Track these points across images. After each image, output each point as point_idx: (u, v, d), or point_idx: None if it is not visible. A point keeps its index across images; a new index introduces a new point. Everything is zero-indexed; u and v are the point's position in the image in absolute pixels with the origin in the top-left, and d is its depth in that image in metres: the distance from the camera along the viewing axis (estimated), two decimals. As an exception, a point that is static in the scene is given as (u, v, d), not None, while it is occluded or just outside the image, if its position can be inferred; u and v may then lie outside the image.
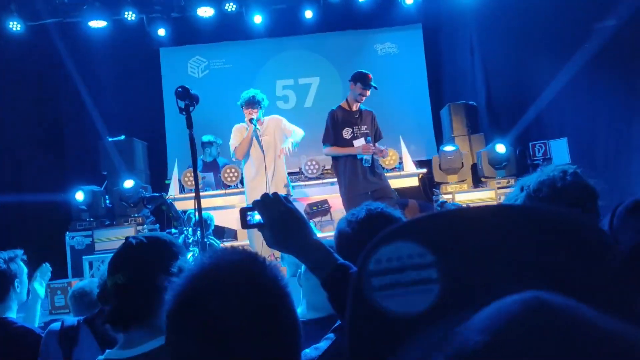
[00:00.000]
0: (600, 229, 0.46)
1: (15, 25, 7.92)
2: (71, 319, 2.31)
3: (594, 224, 0.47)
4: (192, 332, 0.84)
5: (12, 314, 2.66)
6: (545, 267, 0.44)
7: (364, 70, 5.40)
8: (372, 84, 5.29)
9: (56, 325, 2.29)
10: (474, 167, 7.57)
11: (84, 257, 6.40)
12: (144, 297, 1.47)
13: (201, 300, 0.85)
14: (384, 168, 6.70)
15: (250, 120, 5.44)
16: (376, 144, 5.45)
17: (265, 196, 1.27)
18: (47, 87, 8.33)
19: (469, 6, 8.30)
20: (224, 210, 6.47)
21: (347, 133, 5.34)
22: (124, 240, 1.60)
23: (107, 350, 1.52)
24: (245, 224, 1.33)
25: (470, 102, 8.04)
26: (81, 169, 8.00)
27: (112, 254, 1.62)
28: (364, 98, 5.34)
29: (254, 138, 5.57)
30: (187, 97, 2.54)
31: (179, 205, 6.15)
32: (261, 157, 5.51)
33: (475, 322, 0.39)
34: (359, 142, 5.26)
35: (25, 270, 2.69)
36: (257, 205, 1.27)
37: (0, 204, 7.98)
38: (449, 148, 7.18)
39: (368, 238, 0.49)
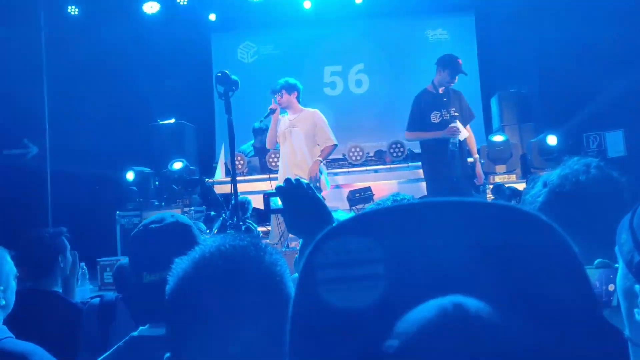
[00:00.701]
0: (553, 229, 0.45)
1: (73, 10, 8.18)
2: (110, 295, 2.41)
3: (547, 224, 0.46)
4: (186, 318, 0.86)
5: (57, 288, 2.79)
6: (490, 269, 0.43)
7: (453, 54, 5.17)
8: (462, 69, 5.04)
9: (96, 301, 2.39)
10: (523, 157, 7.40)
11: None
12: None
13: (195, 286, 0.87)
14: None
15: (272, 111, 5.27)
16: (468, 125, 5.20)
17: (287, 182, 1.29)
18: (102, 70, 8.56)
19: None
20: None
21: (435, 117, 5.10)
22: (142, 230, 1.55)
23: (140, 327, 1.55)
24: (268, 209, 1.36)
25: (521, 91, 7.85)
26: (133, 150, 8.22)
27: None
28: (452, 84, 5.12)
29: (280, 127, 5.40)
30: (226, 83, 2.57)
31: (225, 188, 6.26)
32: (286, 147, 5.36)
33: (397, 326, 0.40)
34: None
35: (69, 246, 2.80)
36: (279, 190, 1.30)
37: (57, 180, 8.32)
38: (497, 138, 7.03)
39: None
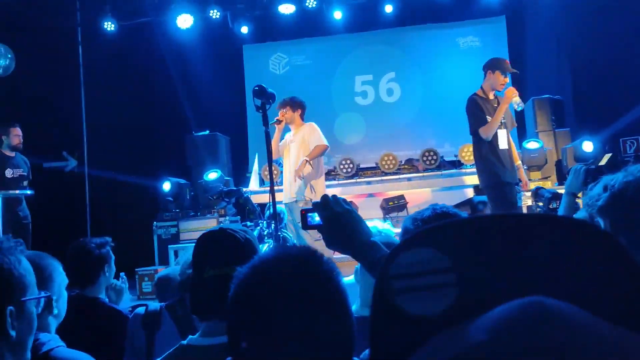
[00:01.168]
0: (616, 243, 0.48)
1: (109, 25, 8.39)
2: (154, 305, 2.47)
3: (609, 236, 0.48)
4: (247, 322, 0.90)
5: (102, 296, 2.87)
6: (557, 276, 0.46)
7: (498, 57, 5.09)
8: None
9: (141, 310, 2.45)
10: (559, 163, 7.31)
11: (169, 246, 6.72)
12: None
13: (257, 291, 0.91)
14: (462, 164, 6.62)
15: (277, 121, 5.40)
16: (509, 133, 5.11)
17: (324, 197, 1.32)
18: (138, 83, 8.75)
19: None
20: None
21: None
22: (217, 231, 1.62)
23: (190, 337, 1.57)
24: (305, 225, 1.38)
25: (555, 97, 7.77)
26: (168, 161, 8.38)
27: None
28: (503, 87, 4.94)
29: (285, 141, 5.58)
30: (263, 96, 2.63)
31: (258, 198, 6.33)
32: (286, 161, 5.52)
33: (479, 323, 0.43)
34: (503, 134, 4.92)
35: (113, 257, 2.89)
36: (317, 206, 1.32)
37: (95, 191, 8.51)
38: (532, 145, 6.96)
39: None
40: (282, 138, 5.64)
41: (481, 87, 5.04)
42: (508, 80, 5.01)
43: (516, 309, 0.42)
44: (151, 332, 2.35)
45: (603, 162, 5.63)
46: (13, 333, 1.14)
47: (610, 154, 5.99)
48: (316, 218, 1.34)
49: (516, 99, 4.82)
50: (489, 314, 0.44)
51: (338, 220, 1.27)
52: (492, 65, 4.97)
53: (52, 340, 1.92)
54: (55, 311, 1.97)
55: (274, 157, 5.56)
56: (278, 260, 0.94)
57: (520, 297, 0.44)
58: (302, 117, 5.55)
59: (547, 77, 8.54)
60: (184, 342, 1.55)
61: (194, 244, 1.71)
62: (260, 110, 2.63)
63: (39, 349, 1.85)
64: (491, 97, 4.99)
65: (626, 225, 1.32)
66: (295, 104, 5.48)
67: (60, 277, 2.01)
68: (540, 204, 3.95)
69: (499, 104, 4.94)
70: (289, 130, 5.60)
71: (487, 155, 4.85)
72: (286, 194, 5.43)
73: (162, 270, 4.06)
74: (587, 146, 6.75)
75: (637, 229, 1.30)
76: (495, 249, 0.48)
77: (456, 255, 0.48)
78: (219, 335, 1.49)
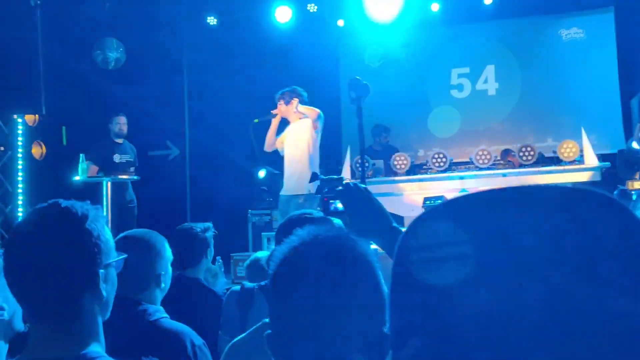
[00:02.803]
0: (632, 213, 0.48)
1: (212, 20, 8.76)
2: (250, 284, 2.61)
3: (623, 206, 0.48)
4: (288, 298, 0.94)
5: (201, 277, 3.05)
6: (573, 246, 0.46)
7: None
8: None
9: (237, 288, 2.61)
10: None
11: (262, 233, 6.95)
12: None
13: (296, 269, 0.95)
14: (561, 160, 6.38)
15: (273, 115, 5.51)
16: None
17: (346, 186, 1.35)
18: (237, 75, 9.04)
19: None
20: (392, 197, 6.59)
21: None
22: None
23: None
24: (327, 212, 1.42)
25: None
26: (264, 151, 8.61)
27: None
28: None
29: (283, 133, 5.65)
30: (357, 88, 2.69)
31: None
32: (287, 153, 5.60)
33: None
34: None
35: (212, 241, 3.06)
36: (339, 194, 1.34)
37: (196, 179, 8.92)
38: (636, 145, 6.51)
39: None
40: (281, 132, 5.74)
41: None
42: None
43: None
44: (245, 309, 2.49)
45: None
46: (105, 293, 1.26)
47: None
48: (338, 205, 1.36)
49: None
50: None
51: (361, 207, 1.29)
52: None
53: (158, 312, 2.08)
54: (162, 285, 2.13)
55: (268, 149, 5.65)
56: (318, 240, 0.97)
57: (536, 267, 0.46)
58: (297, 108, 5.57)
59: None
60: (267, 319, 1.64)
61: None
62: (355, 103, 2.70)
63: (147, 318, 2.02)
64: None
65: None
66: (287, 95, 5.55)
67: (168, 253, 2.17)
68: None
69: None
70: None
71: None
72: (289, 187, 5.48)
73: (254, 254, 4.22)
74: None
75: None
76: (513, 219, 0.49)
77: (475, 227, 0.49)
78: None
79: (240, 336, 1.64)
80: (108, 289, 1.28)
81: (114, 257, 1.30)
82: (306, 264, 0.94)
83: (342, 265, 0.94)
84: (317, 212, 1.65)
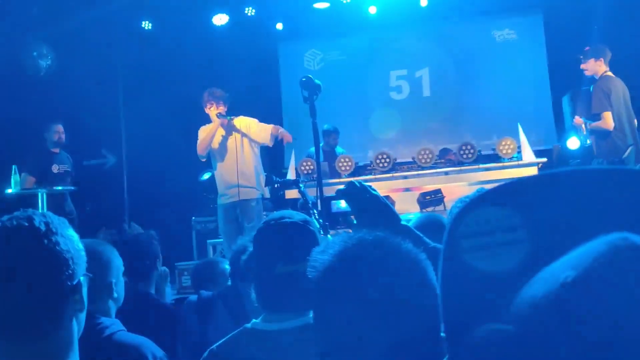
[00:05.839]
0: None
1: (146, 24, 8.54)
2: (207, 293, 2.52)
3: None
4: (339, 307, 0.89)
5: (152, 290, 2.93)
6: (626, 223, 0.45)
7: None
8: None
9: (194, 297, 2.51)
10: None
11: (208, 240, 6.81)
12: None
13: (344, 276, 0.91)
14: (501, 157, 6.56)
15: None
16: None
17: (351, 185, 1.31)
18: (174, 81, 8.85)
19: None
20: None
21: None
22: (288, 223, 1.55)
23: (253, 320, 1.57)
24: (331, 211, 1.37)
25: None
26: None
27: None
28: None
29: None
30: (310, 87, 2.66)
31: (292, 193, 6.35)
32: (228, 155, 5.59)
33: (563, 262, 0.43)
34: None
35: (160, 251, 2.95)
36: (343, 194, 1.31)
37: (134, 187, 8.66)
38: (573, 144, 6.68)
39: None
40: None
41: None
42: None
43: (603, 244, 0.42)
44: (204, 319, 2.40)
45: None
46: (85, 304, 1.21)
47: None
48: (342, 204, 1.33)
49: None
50: (572, 254, 0.44)
51: (368, 206, 1.26)
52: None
53: (114, 325, 1.97)
54: (115, 294, 2.02)
55: (203, 153, 5.60)
56: (363, 244, 0.94)
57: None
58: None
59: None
60: (249, 325, 1.56)
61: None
62: (308, 102, 2.65)
63: (102, 332, 1.91)
64: None
65: None
66: (225, 97, 5.59)
67: (118, 262, 2.07)
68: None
69: None
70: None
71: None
72: (234, 190, 5.40)
73: (197, 262, 4.14)
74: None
75: None
76: (562, 203, 0.48)
77: (526, 211, 0.48)
78: (284, 321, 1.49)
79: (219, 342, 1.56)
80: (84, 301, 1.21)
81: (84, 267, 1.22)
82: (356, 268, 0.90)
83: (394, 266, 0.91)
84: (297, 214, 1.58)
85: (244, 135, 5.49)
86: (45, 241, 1.12)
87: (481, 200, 0.51)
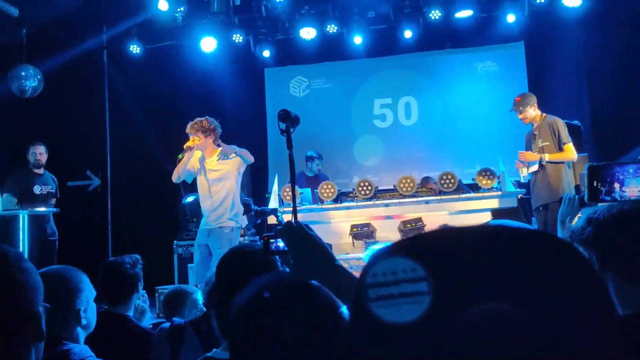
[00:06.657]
0: (577, 252, 0.51)
1: (135, 48, 8.61)
2: (178, 321, 2.55)
3: (569, 246, 0.52)
4: (251, 341, 0.97)
5: (130, 313, 2.95)
6: (522, 283, 0.49)
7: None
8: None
9: (166, 325, 2.54)
10: (577, 189, 7.28)
11: (189, 265, 6.80)
12: None
13: (257, 317, 0.98)
14: (480, 188, 6.64)
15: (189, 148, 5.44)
16: None
17: (288, 224, 1.31)
18: (161, 105, 8.92)
19: (573, 23, 8.07)
20: (320, 224, 6.65)
21: None
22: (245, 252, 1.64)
23: (214, 350, 1.63)
24: (268, 251, 1.37)
25: (574, 122, 7.77)
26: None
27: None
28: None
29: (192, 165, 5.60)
30: (287, 120, 2.71)
31: (274, 219, 6.39)
32: (211, 187, 5.54)
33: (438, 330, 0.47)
34: None
35: (142, 275, 2.97)
36: (281, 232, 1.31)
37: (118, 209, 8.64)
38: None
39: None
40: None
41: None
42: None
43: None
44: (176, 347, 2.43)
45: None
46: (44, 334, 1.22)
47: None
48: (280, 244, 1.35)
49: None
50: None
51: (304, 246, 1.26)
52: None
53: (82, 351, 1.99)
54: (84, 322, 2.04)
55: (176, 180, 5.56)
56: (276, 290, 1.00)
57: (487, 304, 0.48)
58: (215, 142, 5.47)
59: (565, 102, 8.56)
60: (209, 354, 1.61)
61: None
62: (285, 134, 2.72)
63: (71, 359, 1.93)
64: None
65: (613, 258, 1.35)
66: (207, 130, 5.40)
67: (88, 288, 2.08)
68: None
69: None
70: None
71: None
72: (211, 218, 5.41)
73: (167, 288, 4.14)
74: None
75: (624, 260, 1.34)
76: (466, 258, 0.51)
77: (430, 265, 0.51)
78: None
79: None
80: (42, 331, 1.23)
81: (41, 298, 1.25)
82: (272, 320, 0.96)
83: (306, 315, 0.97)
84: (258, 245, 1.62)
85: (210, 169, 5.49)
86: (3, 273, 1.16)
87: (392, 251, 0.53)
